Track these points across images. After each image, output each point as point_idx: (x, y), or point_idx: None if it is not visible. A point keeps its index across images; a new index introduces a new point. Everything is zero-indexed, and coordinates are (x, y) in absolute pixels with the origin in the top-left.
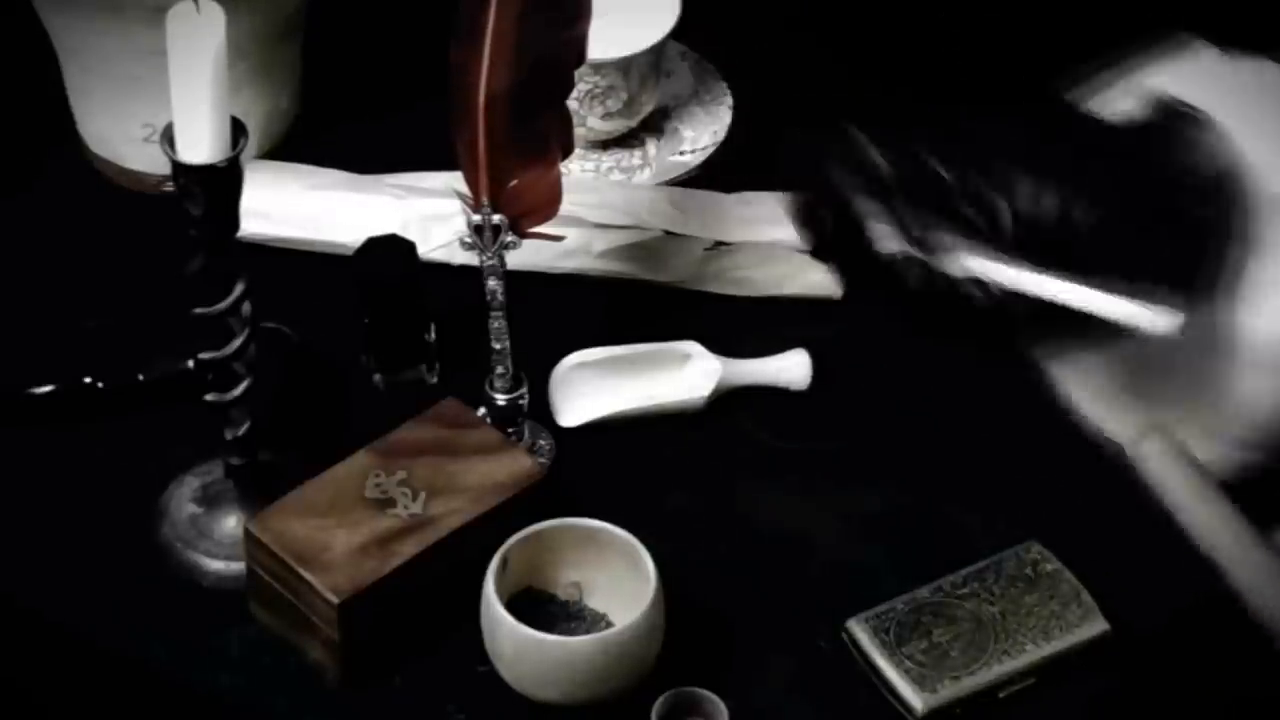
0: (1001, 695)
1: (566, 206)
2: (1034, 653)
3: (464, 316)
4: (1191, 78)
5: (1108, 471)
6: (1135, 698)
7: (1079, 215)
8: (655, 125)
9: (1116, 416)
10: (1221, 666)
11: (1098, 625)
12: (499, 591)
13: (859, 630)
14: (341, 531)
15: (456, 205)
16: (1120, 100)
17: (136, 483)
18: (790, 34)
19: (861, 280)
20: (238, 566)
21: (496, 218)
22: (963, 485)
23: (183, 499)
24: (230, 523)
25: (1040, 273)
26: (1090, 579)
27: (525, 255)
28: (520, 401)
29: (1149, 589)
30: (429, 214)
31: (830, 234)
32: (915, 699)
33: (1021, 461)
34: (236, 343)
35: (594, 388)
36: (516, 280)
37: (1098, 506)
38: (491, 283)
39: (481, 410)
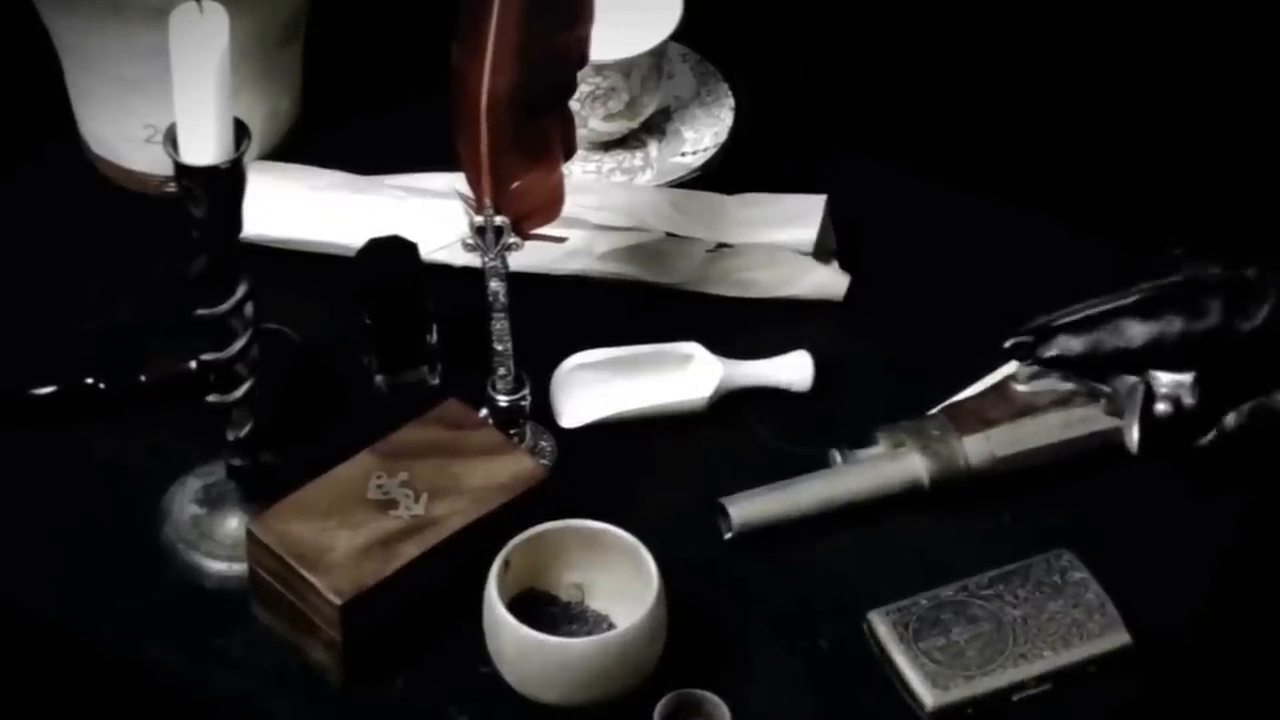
0: (1015, 699)
1: (568, 208)
2: (1051, 659)
3: (466, 318)
4: None
5: (1147, 487)
6: (1152, 710)
7: None
8: (657, 127)
9: None
10: (1244, 686)
11: (1119, 638)
12: (501, 593)
13: (879, 622)
14: (343, 532)
15: (458, 206)
16: None
17: (138, 484)
18: (791, 35)
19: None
20: (240, 567)
21: (499, 219)
22: (961, 486)
23: (185, 500)
24: (232, 524)
25: None
26: (1121, 594)
27: (527, 256)
28: (522, 403)
29: (1180, 606)
30: (431, 215)
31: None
32: (926, 695)
33: (1026, 468)
34: (239, 344)
35: (596, 389)
36: (518, 281)
37: (1132, 519)
38: (494, 284)
39: (483, 411)
